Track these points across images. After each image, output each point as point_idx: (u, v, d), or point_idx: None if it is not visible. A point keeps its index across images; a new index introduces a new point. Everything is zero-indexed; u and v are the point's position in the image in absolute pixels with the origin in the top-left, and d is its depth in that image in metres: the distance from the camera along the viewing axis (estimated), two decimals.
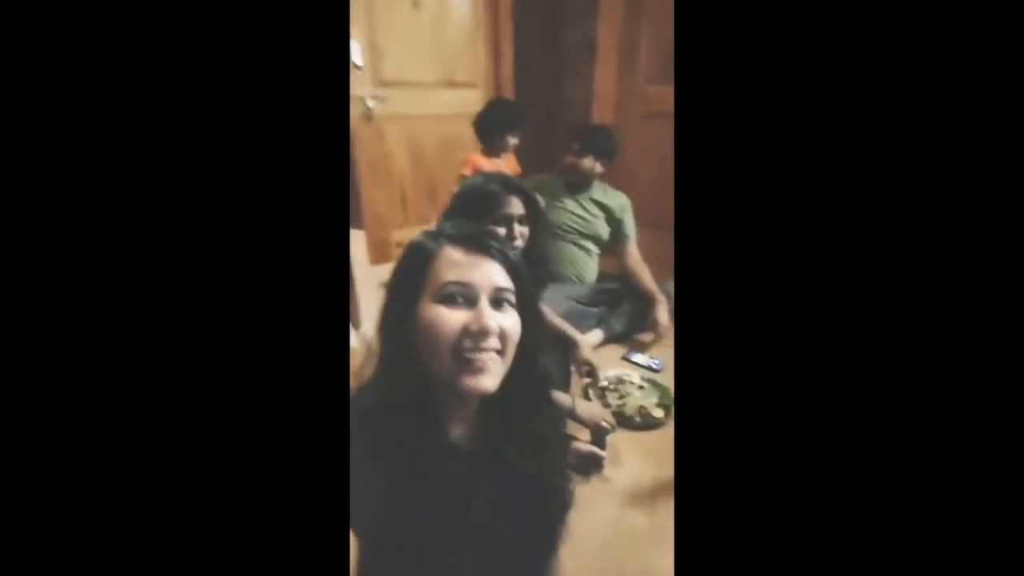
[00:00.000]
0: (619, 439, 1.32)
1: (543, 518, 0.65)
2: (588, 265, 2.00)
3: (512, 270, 0.59)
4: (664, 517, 1.16)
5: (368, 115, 2.19)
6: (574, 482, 0.72)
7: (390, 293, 0.60)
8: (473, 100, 2.47)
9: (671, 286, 2.00)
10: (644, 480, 1.26)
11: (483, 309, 0.55)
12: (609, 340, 1.89)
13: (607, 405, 1.49)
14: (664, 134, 2.45)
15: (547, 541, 0.68)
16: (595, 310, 1.92)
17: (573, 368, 1.50)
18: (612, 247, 2.00)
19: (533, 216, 1.12)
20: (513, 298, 0.58)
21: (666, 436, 1.43)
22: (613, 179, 2.07)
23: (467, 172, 1.86)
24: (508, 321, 0.57)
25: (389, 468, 0.53)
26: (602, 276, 2.05)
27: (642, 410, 1.48)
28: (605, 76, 2.53)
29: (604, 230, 1.96)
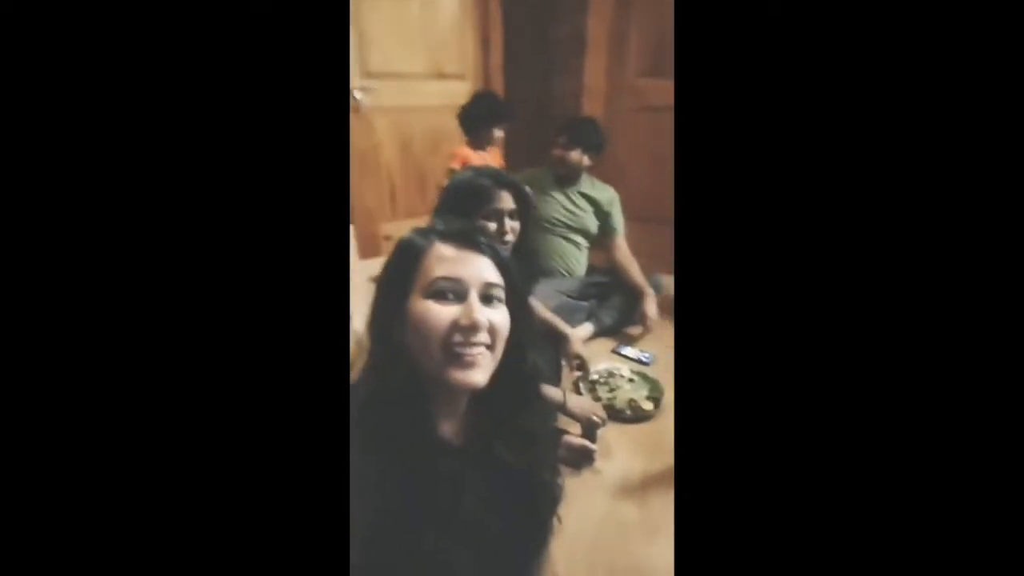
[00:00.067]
0: (609, 432, 1.33)
1: (533, 512, 0.66)
2: (577, 259, 2.00)
3: (502, 266, 0.60)
4: (655, 509, 1.17)
5: (356, 107, 2.17)
6: (563, 476, 0.72)
7: (380, 289, 0.60)
8: (462, 92, 2.44)
9: (659, 279, 2.01)
10: (635, 473, 1.27)
11: (473, 304, 0.55)
12: (599, 334, 1.90)
13: (597, 398, 1.50)
14: (654, 127, 2.45)
15: (537, 535, 0.68)
16: (585, 304, 1.93)
17: (563, 362, 1.51)
18: (600, 241, 2.00)
19: (524, 211, 1.12)
20: (503, 294, 0.59)
21: (656, 429, 1.44)
22: (602, 172, 2.07)
23: (456, 166, 1.85)
24: (497, 316, 0.57)
25: (379, 463, 0.53)
26: (591, 270, 2.06)
27: (632, 403, 1.49)
28: (595, 69, 2.52)
29: (593, 224, 1.96)
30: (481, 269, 0.58)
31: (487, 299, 0.57)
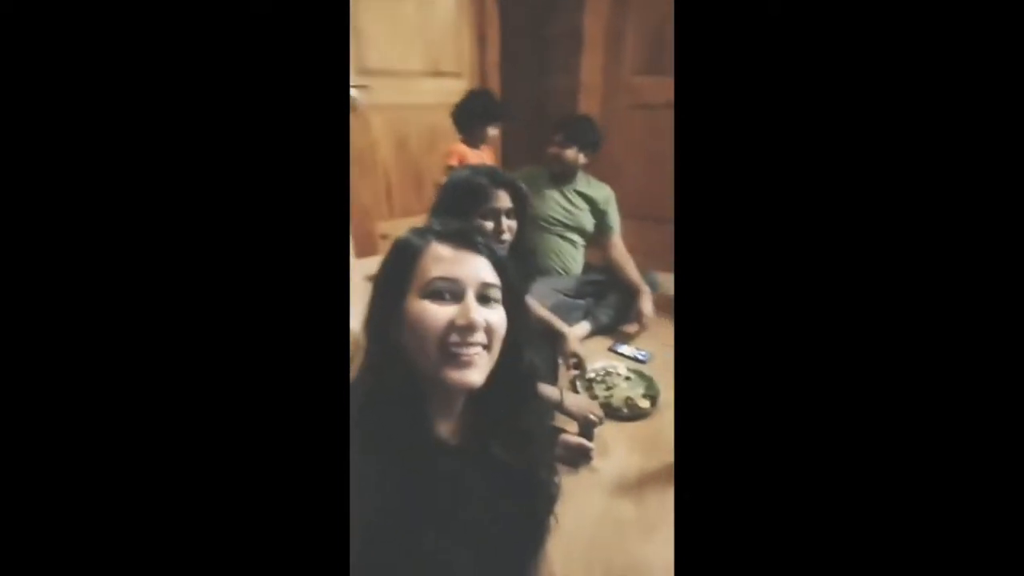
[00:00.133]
0: (606, 430, 1.33)
1: (530, 511, 0.66)
2: (574, 257, 2.00)
3: (499, 266, 0.60)
4: (652, 507, 1.17)
5: (352, 105, 2.16)
6: (560, 475, 0.72)
7: (377, 288, 0.60)
8: (458, 90, 2.44)
9: (655, 277, 2.02)
10: (632, 471, 1.28)
11: (469, 304, 0.55)
12: (595, 332, 1.90)
13: (594, 397, 1.50)
14: (650, 125, 2.45)
15: (535, 534, 0.68)
16: (582, 302, 1.93)
17: (560, 360, 1.51)
18: (596, 239, 2.00)
19: (521, 209, 1.12)
20: (499, 294, 0.59)
21: (653, 427, 1.44)
22: (598, 170, 2.07)
23: (454, 163, 1.85)
24: (494, 317, 0.57)
25: (376, 463, 0.53)
26: (587, 268, 2.06)
27: (629, 401, 1.49)
28: (591, 67, 2.51)
29: (589, 222, 1.96)
30: (478, 269, 0.58)
31: (484, 299, 0.57)
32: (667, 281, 2.09)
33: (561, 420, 1.29)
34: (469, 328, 0.54)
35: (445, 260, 0.57)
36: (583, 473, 1.24)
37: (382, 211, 2.46)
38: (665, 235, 2.41)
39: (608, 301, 1.94)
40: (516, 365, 0.62)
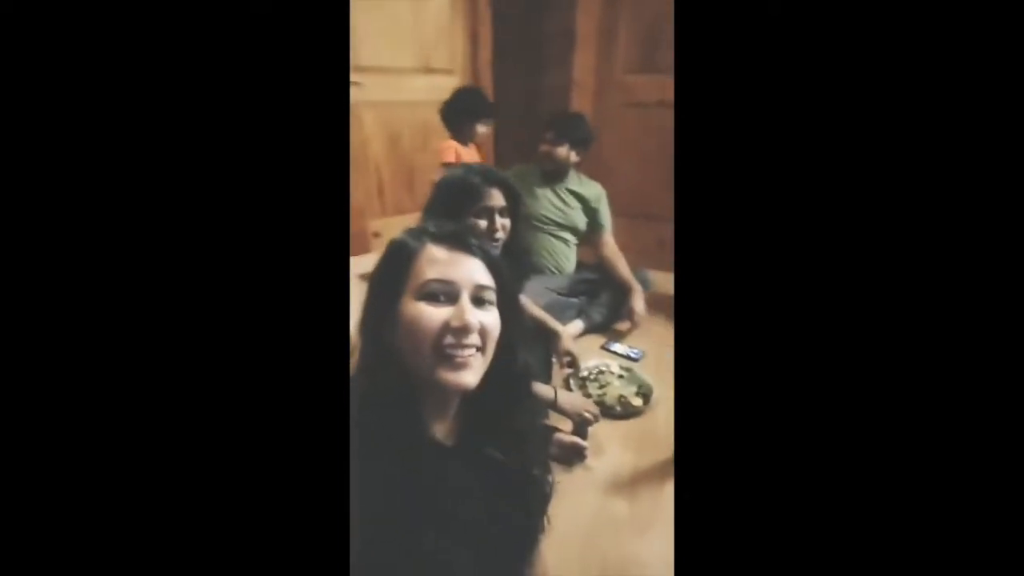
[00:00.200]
0: (600, 429, 1.33)
1: (525, 511, 0.66)
2: (567, 256, 2.00)
3: (493, 267, 0.60)
4: (646, 505, 1.18)
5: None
6: (554, 474, 0.73)
7: (372, 290, 0.60)
8: (451, 87, 2.43)
9: (646, 275, 2.02)
10: (625, 469, 1.28)
11: (464, 306, 0.56)
12: (589, 330, 1.91)
13: (588, 395, 1.51)
14: (643, 124, 2.46)
15: (529, 533, 0.69)
16: (575, 301, 1.93)
17: (554, 359, 1.51)
18: (588, 237, 2.00)
19: (514, 208, 1.11)
20: (494, 296, 0.59)
21: (647, 425, 1.45)
22: (591, 169, 2.07)
23: (451, 159, 1.84)
24: (489, 319, 0.57)
25: (370, 465, 0.53)
26: (579, 266, 2.06)
27: (622, 399, 1.50)
28: (584, 65, 2.51)
29: (581, 220, 1.96)
30: (473, 271, 0.58)
31: (478, 301, 0.58)
32: (659, 279, 2.10)
33: (555, 419, 1.29)
34: (464, 330, 0.55)
35: (440, 262, 0.57)
36: (577, 471, 1.25)
37: (374, 209, 2.45)
38: (657, 233, 2.44)
39: (601, 299, 1.94)
40: (510, 366, 0.62)
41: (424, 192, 1.18)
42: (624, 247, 2.01)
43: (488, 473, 0.62)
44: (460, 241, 0.60)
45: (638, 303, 1.89)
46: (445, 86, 2.36)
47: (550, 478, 0.71)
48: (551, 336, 1.49)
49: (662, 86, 2.34)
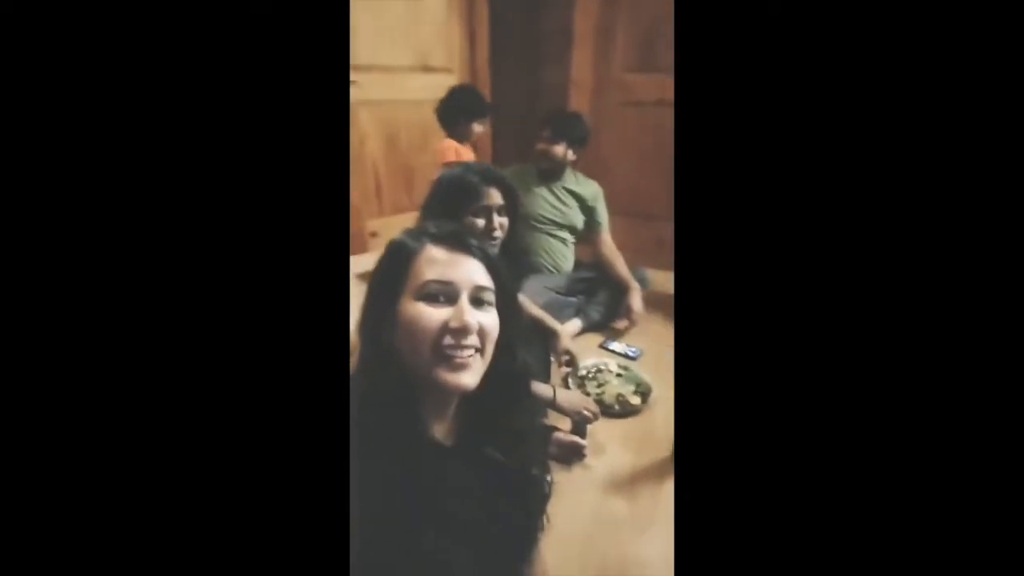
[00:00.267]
0: (598, 428, 1.33)
1: (524, 510, 0.66)
2: (564, 255, 2.00)
3: (492, 268, 0.60)
4: (645, 504, 1.18)
5: None
6: (553, 474, 0.73)
7: (371, 291, 0.60)
8: (448, 86, 2.43)
9: (644, 273, 2.03)
10: (624, 468, 1.28)
11: (463, 307, 0.56)
12: (587, 329, 1.91)
13: (587, 394, 1.51)
14: (641, 123, 2.46)
15: (529, 532, 0.69)
16: (573, 300, 1.93)
17: (553, 358, 1.51)
18: (586, 236, 2.00)
19: (512, 207, 1.11)
20: (493, 297, 0.59)
21: (645, 423, 1.45)
22: (588, 168, 2.07)
23: (452, 158, 1.83)
24: (487, 319, 0.58)
25: (370, 465, 0.53)
26: (577, 265, 2.06)
27: (620, 398, 1.50)
28: (582, 63, 2.51)
29: (578, 219, 1.96)
30: (472, 272, 0.58)
31: (477, 302, 0.58)
32: (657, 278, 2.10)
33: (554, 418, 1.29)
34: (462, 330, 0.55)
35: (439, 263, 0.57)
36: (576, 471, 1.25)
37: (372, 208, 2.45)
38: (655, 232, 2.44)
39: (599, 298, 1.95)
40: (509, 366, 0.62)
41: (422, 191, 1.17)
42: (622, 246, 2.01)
43: (487, 473, 0.62)
44: (460, 242, 0.60)
45: (636, 302, 1.89)
46: (443, 85, 2.36)
47: (549, 478, 0.71)
48: (550, 335, 1.49)
49: (660, 85, 2.34)
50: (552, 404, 1.26)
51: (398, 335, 0.56)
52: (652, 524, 1.12)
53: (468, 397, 0.59)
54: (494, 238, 1.08)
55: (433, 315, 0.55)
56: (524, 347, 0.66)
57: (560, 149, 1.86)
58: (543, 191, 1.93)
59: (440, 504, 0.56)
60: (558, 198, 1.94)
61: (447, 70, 2.52)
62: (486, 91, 2.53)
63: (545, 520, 0.70)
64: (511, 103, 2.58)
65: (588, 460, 1.26)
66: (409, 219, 2.27)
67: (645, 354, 1.79)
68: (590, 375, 1.60)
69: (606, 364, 1.65)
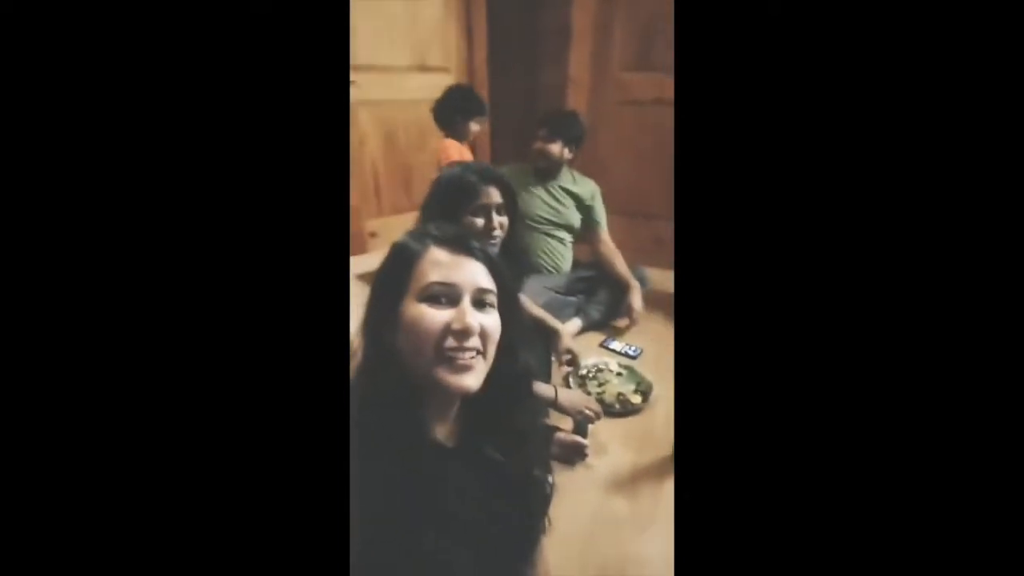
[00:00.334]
0: (599, 427, 1.33)
1: (526, 511, 0.66)
2: (563, 255, 2.00)
3: (494, 270, 0.60)
4: (646, 503, 1.18)
5: None
6: (554, 475, 0.73)
7: (374, 292, 0.60)
8: (446, 85, 2.43)
9: (643, 272, 2.03)
10: (625, 467, 1.28)
11: (465, 309, 0.56)
12: (587, 328, 1.91)
13: (587, 393, 1.51)
14: (639, 122, 2.45)
15: (530, 533, 0.69)
16: (573, 299, 1.93)
17: (554, 358, 1.51)
18: (584, 235, 2.00)
19: (511, 206, 1.11)
20: (495, 299, 0.59)
21: (646, 422, 1.45)
22: (587, 167, 2.07)
23: (455, 157, 1.83)
24: (489, 321, 0.58)
25: (371, 465, 0.53)
26: (576, 264, 2.06)
27: (621, 397, 1.50)
28: (579, 62, 2.51)
29: (576, 218, 1.96)
30: (474, 274, 0.58)
31: (479, 304, 0.58)
32: (656, 276, 2.10)
33: (555, 417, 1.29)
34: (465, 332, 0.55)
35: (442, 265, 0.57)
36: (578, 470, 1.25)
37: (371, 208, 2.44)
38: (654, 231, 2.44)
39: (598, 297, 1.95)
40: (511, 367, 0.62)
41: (420, 191, 1.17)
42: (621, 245, 2.01)
43: (488, 474, 0.62)
44: (462, 244, 0.60)
45: (636, 300, 1.89)
46: (440, 84, 2.36)
47: (550, 479, 0.71)
48: (551, 335, 1.49)
49: (658, 84, 2.34)
50: (554, 404, 1.26)
51: (400, 336, 0.56)
52: (653, 523, 1.12)
53: (470, 398, 0.59)
54: (494, 237, 1.08)
55: (435, 317, 0.55)
56: (526, 348, 0.66)
57: (556, 148, 1.86)
58: (539, 191, 1.93)
59: (441, 505, 0.56)
60: (554, 197, 1.94)
61: (445, 69, 2.51)
62: (484, 91, 2.52)
63: (547, 522, 0.70)
64: (509, 102, 2.58)
65: (589, 459, 1.26)
66: (408, 219, 2.26)
67: (645, 353, 1.78)
68: (591, 374, 1.60)
69: (606, 363, 1.65)
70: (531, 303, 1.52)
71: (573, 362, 1.50)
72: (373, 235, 2.43)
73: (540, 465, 0.70)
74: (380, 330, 0.58)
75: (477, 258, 0.60)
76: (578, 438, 1.24)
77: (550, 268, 1.97)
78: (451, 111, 1.91)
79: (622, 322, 1.92)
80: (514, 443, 0.65)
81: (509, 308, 0.62)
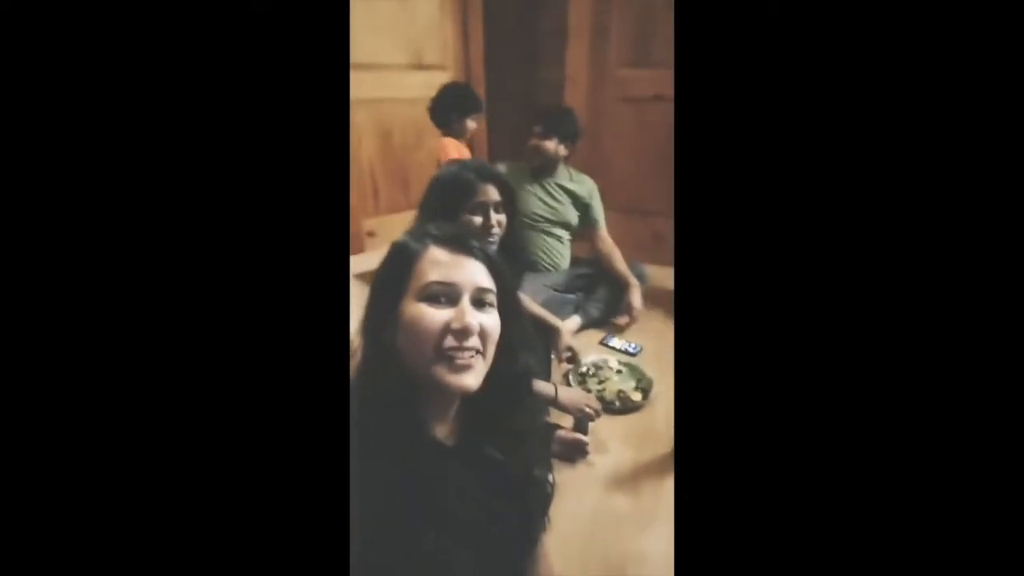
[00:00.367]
0: (600, 424, 1.33)
1: (524, 510, 0.66)
2: (561, 253, 2.00)
3: (494, 270, 0.60)
4: (647, 500, 1.18)
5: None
6: (554, 473, 0.73)
7: (374, 291, 0.60)
8: (443, 83, 2.42)
9: (642, 268, 2.02)
10: (626, 464, 1.28)
11: (465, 308, 0.56)
12: (587, 325, 1.91)
13: (588, 391, 1.51)
14: (637, 119, 2.45)
15: (531, 532, 0.69)
16: (572, 297, 1.93)
17: (554, 356, 1.51)
18: (582, 232, 2.00)
19: (509, 203, 1.11)
20: (494, 299, 0.59)
21: (647, 420, 1.45)
22: (585, 164, 2.06)
23: (454, 155, 1.83)
24: (489, 321, 0.58)
25: (371, 465, 0.53)
26: (575, 262, 2.06)
27: (621, 394, 1.50)
28: (577, 59, 2.50)
29: (573, 216, 1.96)
30: (474, 274, 0.58)
31: (479, 303, 0.58)
32: (655, 273, 2.10)
33: (556, 415, 1.29)
34: (464, 332, 0.55)
35: (442, 264, 0.57)
36: (579, 468, 1.25)
37: (368, 207, 2.44)
38: (652, 228, 2.43)
39: (598, 295, 1.95)
40: (511, 367, 0.62)
41: (418, 190, 1.17)
42: (620, 242, 2.01)
43: (489, 473, 0.62)
44: (462, 243, 0.60)
45: (635, 298, 1.89)
46: (437, 82, 2.35)
47: (551, 478, 0.71)
48: (550, 333, 1.49)
49: (657, 80, 2.33)
50: (554, 402, 1.26)
51: (400, 336, 0.56)
52: (654, 520, 1.12)
53: (470, 398, 0.59)
54: (492, 235, 1.07)
55: (435, 316, 0.55)
56: (525, 348, 0.66)
57: (552, 145, 1.85)
58: (536, 189, 1.93)
59: (441, 504, 0.56)
60: (551, 195, 1.94)
61: (441, 67, 2.51)
62: (481, 88, 2.52)
63: (547, 521, 0.70)
64: (506, 100, 2.58)
65: (590, 457, 1.26)
66: (406, 218, 2.26)
67: (644, 350, 1.78)
68: (591, 372, 1.59)
69: (606, 361, 1.65)
70: (530, 301, 1.51)
71: (573, 360, 1.50)
72: (371, 234, 2.42)
73: (540, 464, 0.70)
74: (380, 330, 0.58)
75: (477, 257, 0.60)
76: (579, 436, 1.24)
77: (548, 266, 1.97)
78: (447, 109, 1.91)
79: (622, 319, 1.92)
80: (514, 442, 0.65)
81: (509, 307, 0.62)
